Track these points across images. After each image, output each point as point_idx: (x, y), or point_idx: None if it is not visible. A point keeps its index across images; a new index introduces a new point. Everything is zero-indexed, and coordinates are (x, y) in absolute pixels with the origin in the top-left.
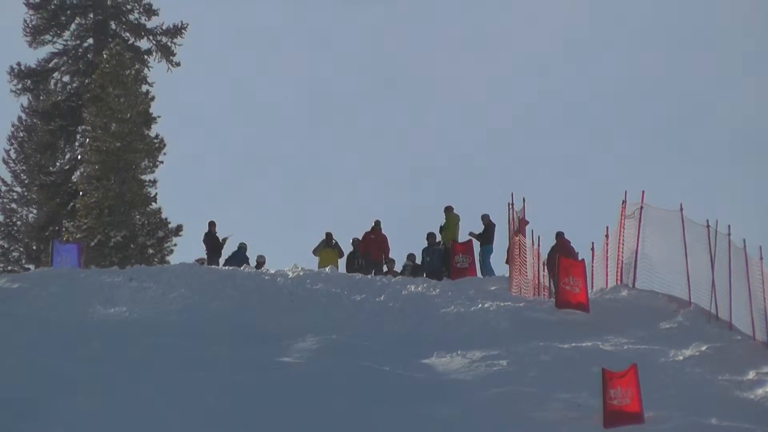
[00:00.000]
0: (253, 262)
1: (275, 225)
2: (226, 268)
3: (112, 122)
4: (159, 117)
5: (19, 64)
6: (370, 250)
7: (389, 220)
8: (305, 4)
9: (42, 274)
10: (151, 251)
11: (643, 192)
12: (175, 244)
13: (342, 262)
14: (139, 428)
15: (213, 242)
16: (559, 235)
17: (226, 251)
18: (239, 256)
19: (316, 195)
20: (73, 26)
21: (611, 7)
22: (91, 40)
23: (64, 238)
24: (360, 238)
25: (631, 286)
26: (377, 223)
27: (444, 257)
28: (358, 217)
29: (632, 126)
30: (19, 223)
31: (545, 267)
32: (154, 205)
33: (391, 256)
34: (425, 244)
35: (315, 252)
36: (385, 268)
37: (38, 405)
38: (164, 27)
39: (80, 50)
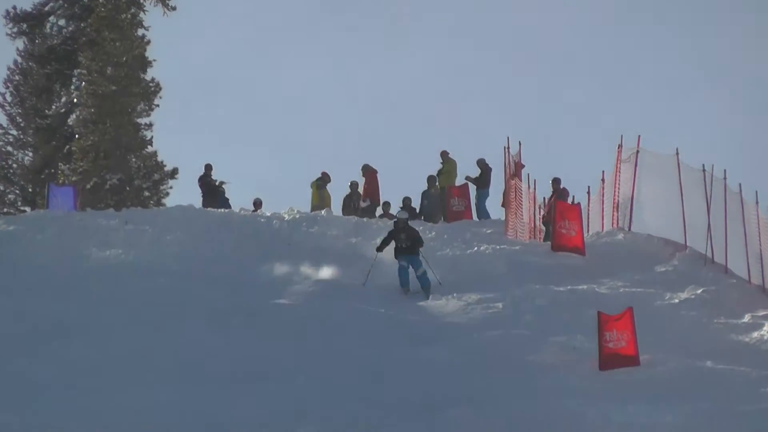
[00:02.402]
0: (236, 205)
1: (272, 168)
2: (222, 211)
3: (107, 66)
4: (155, 60)
5: (14, 7)
6: (367, 194)
7: (386, 164)
8: None
9: (38, 217)
10: (146, 194)
11: (639, 136)
12: (170, 187)
13: (338, 205)
14: (134, 370)
15: (209, 185)
16: (555, 181)
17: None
18: (221, 199)
19: (314, 138)
20: None
21: None
22: None
23: (60, 181)
24: (357, 181)
25: (627, 230)
26: (365, 167)
27: (440, 201)
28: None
29: (629, 69)
30: (15, 165)
31: (542, 219)
32: (149, 149)
33: (388, 199)
34: (421, 188)
35: (312, 186)
36: (380, 211)
37: (34, 347)
38: None
39: None
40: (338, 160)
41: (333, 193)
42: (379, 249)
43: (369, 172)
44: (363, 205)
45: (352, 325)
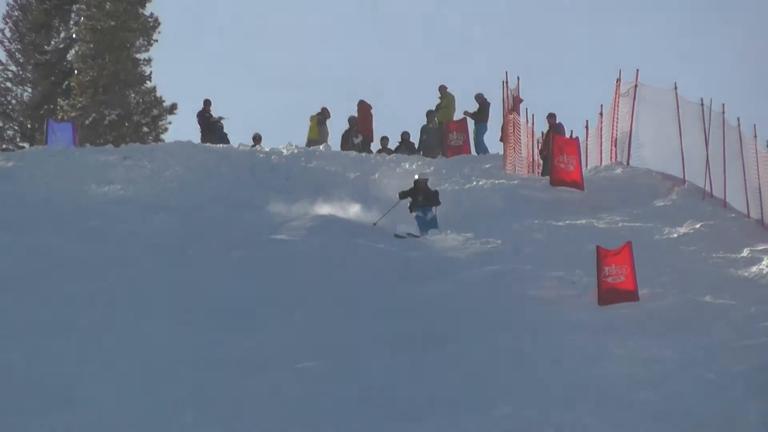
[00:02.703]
0: (235, 141)
1: (271, 103)
2: (221, 146)
3: (106, 1)
4: None
5: None
6: (359, 130)
7: (385, 99)
8: None
9: (37, 153)
10: (145, 129)
11: (638, 70)
12: (169, 123)
13: (337, 140)
14: (133, 306)
15: (207, 121)
16: (551, 117)
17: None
18: (220, 135)
19: (314, 73)
20: None
21: None
22: None
23: (59, 117)
24: (355, 116)
25: (626, 164)
26: (360, 103)
27: (439, 136)
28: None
29: (627, 3)
30: (13, 102)
31: (540, 152)
32: (148, 84)
33: (386, 134)
34: (419, 123)
35: (311, 120)
36: (378, 146)
37: (33, 283)
38: None
39: None
40: (337, 95)
41: (332, 128)
42: (402, 197)
43: (362, 107)
44: (355, 141)
45: (350, 261)
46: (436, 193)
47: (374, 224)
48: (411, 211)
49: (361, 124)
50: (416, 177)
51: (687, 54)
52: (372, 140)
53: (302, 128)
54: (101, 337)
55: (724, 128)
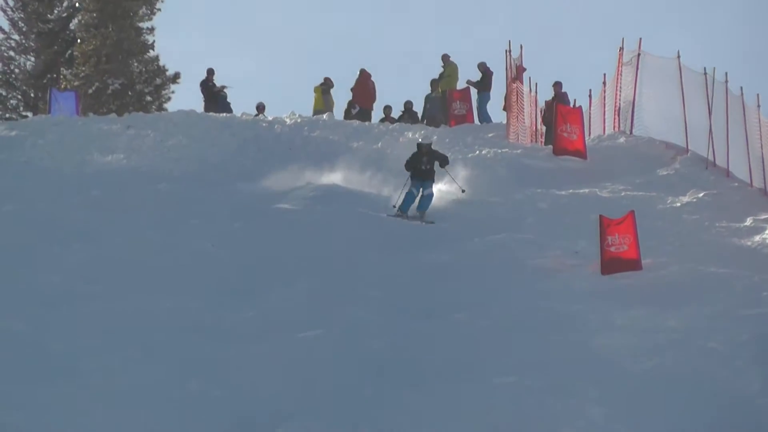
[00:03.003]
0: (238, 110)
1: (273, 72)
2: (224, 115)
3: None
4: None
5: None
6: (356, 100)
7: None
8: None
9: (40, 122)
10: (148, 99)
11: (641, 39)
12: (172, 92)
13: (339, 110)
14: (135, 275)
15: (210, 90)
16: (557, 85)
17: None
18: (222, 104)
19: (318, 42)
20: None
21: None
22: None
23: (62, 86)
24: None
25: (629, 133)
26: (360, 72)
27: (442, 105)
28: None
29: None
30: (17, 70)
31: (542, 120)
32: (151, 53)
33: (390, 103)
34: (422, 92)
35: (316, 91)
36: (381, 115)
37: (36, 252)
38: None
39: None
40: (340, 64)
41: (336, 97)
42: (407, 168)
43: (361, 77)
44: (353, 111)
45: (353, 230)
46: (442, 154)
47: (396, 213)
48: (411, 178)
49: (358, 94)
50: (419, 141)
51: (690, 23)
52: (371, 110)
53: (305, 97)
54: (105, 306)
55: (727, 97)
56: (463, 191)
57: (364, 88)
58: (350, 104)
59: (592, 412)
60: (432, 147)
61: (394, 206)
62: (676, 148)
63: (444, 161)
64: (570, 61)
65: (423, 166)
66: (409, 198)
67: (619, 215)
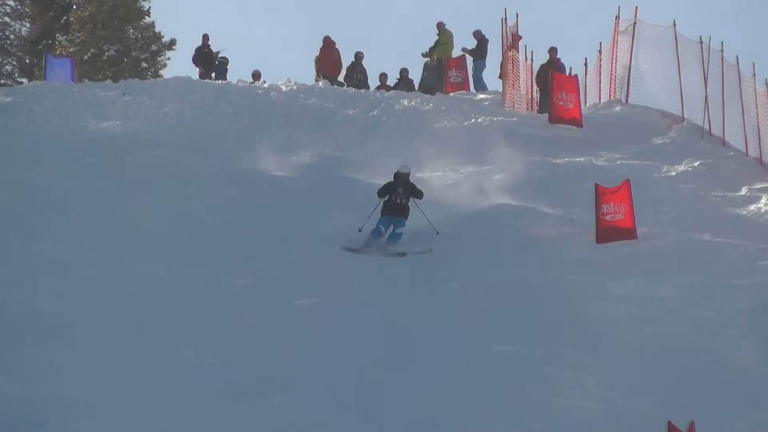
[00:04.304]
0: (234, 77)
1: (270, 39)
2: (220, 82)
3: None
4: None
5: None
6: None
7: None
8: None
9: (35, 88)
10: (144, 65)
11: (636, 7)
12: (168, 58)
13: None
14: (132, 242)
15: (206, 56)
16: (552, 50)
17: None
18: (220, 71)
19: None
20: None
21: None
22: None
23: (58, 52)
24: (362, 52)
25: (624, 102)
26: (358, 56)
27: (438, 72)
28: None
29: None
30: (12, 36)
31: (536, 82)
32: (147, 19)
33: (385, 71)
34: (419, 60)
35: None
36: (377, 83)
37: (31, 219)
38: None
39: None
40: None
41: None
42: (380, 195)
43: (324, 45)
44: (320, 83)
45: (349, 199)
46: (417, 188)
47: (359, 230)
48: (381, 214)
49: (322, 64)
50: (398, 170)
51: None
52: (335, 78)
53: (302, 64)
54: (100, 272)
55: (723, 66)
56: (437, 233)
57: (328, 57)
58: (358, 69)
59: (586, 380)
60: (409, 178)
61: (359, 230)
62: (671, 117)
63: (418, 195)
64: (566, 29)
65: (398, 199)
66: (375, 233)
67: (614, 184)
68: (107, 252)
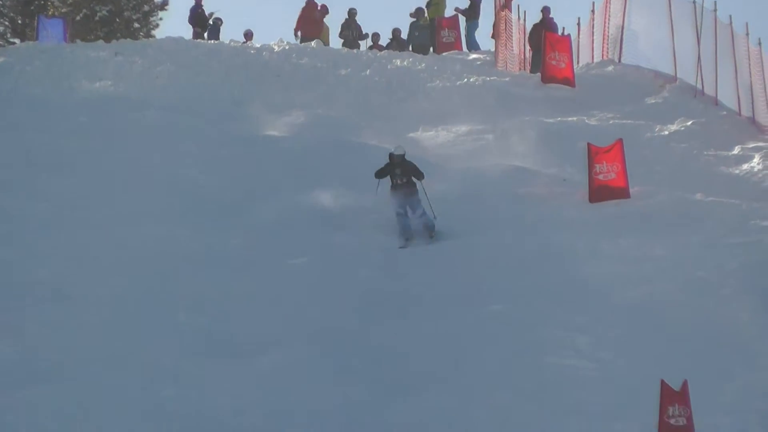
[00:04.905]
0: (227, 37)
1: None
2: (212, 42)
3: None
4: None
5: None
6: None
7: None
8: None
9: (27, 49)
10: (136, 25)
11: None
12: (161, 19)
13: (335, 31)
14: (124, 202)
15: (200, 16)
16: (545, 10)
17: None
18: (213, 31)
19: None
20: None
21: None
22: None
23: (50, 13)
24: (355, 9)
25: (617, 62)
26: (351, 12)
27: (430, 32)
28: None
29: None
30: None
31: (528, 41)
32: None
33: (377, 31)
34: (412, 19)
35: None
36: (369, 43)
37: (23, 180)
38: None
39: None
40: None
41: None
42: (378, 176)
43: (305, 6)
44: (298, 42)
45: (342, 159)
46: (415, 166)
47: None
48: (391, 197)
49: (301, 23)
50: (391, 152)
51: None
52: (314, 38)
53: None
54: (92, 233)
55: (716, 26)
56: (435, 218)
57: (308, 18)
58: (353, 26)
59: (579, 340)
60: (405, 158)
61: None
62: (664, 77)
63: (419, 175)
64: None
65: (398, 180)
66: (400, 220)
67: (607, 143)
68: (99, 212)
